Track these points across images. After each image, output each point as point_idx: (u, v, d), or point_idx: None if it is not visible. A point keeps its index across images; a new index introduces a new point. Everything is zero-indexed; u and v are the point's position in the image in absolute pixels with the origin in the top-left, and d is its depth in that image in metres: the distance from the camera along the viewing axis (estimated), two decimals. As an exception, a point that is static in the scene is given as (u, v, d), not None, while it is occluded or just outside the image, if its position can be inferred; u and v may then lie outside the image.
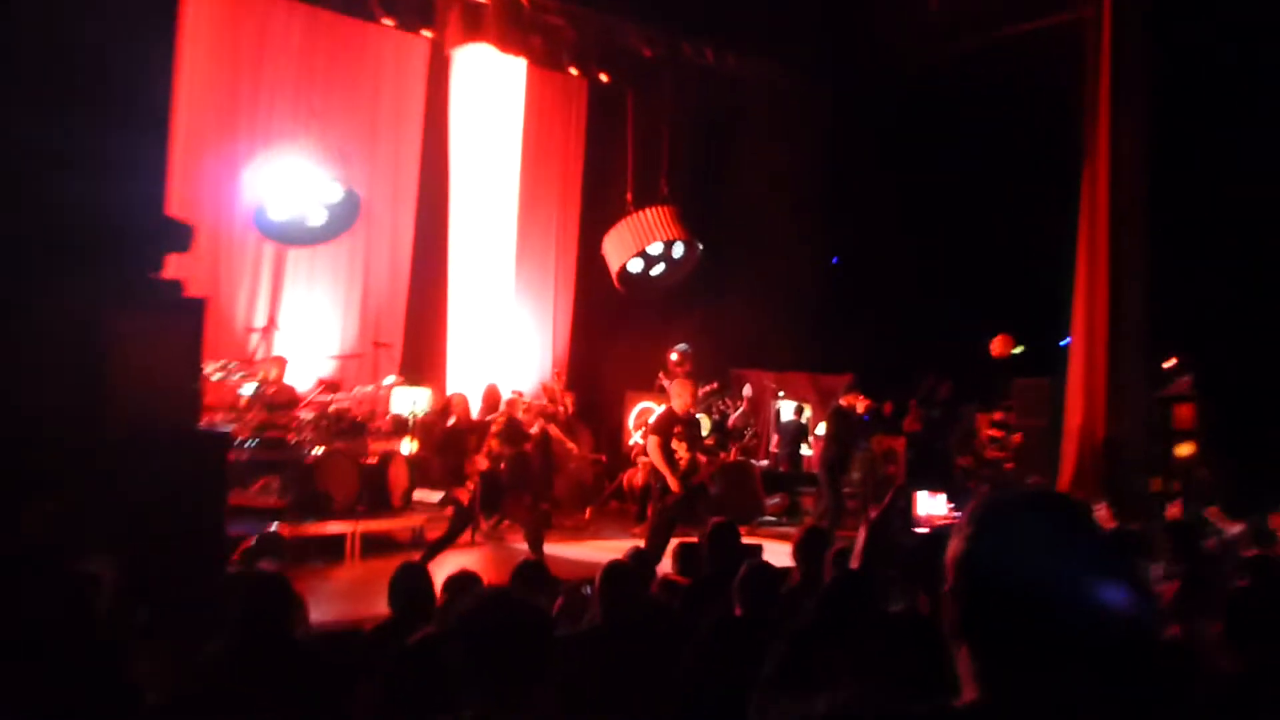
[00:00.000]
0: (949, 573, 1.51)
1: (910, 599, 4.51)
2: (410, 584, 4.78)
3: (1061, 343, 13.89)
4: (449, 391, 12.97)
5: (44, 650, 3.17)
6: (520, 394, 10.88)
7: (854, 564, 5.30)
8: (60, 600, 3.40)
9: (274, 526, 7.53)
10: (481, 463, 8.63)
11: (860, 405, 11.48)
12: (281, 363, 10.79)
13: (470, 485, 8.68)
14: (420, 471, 11.36)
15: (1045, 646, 1.43)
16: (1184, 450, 12.02)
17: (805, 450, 14.99)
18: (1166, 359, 12.61)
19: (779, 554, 9.55)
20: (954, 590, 1.50)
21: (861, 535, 5.51)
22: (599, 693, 3.85)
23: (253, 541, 5.76)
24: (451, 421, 9.52)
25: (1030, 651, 1.43)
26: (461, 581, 4.51)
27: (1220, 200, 11.83)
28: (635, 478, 13.05)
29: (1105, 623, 1.44)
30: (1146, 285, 12.14)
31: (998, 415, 14.24)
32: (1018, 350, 15.36)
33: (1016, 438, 12.59)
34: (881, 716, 1.49)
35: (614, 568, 4.56)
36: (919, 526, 7.66)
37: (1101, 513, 8.03)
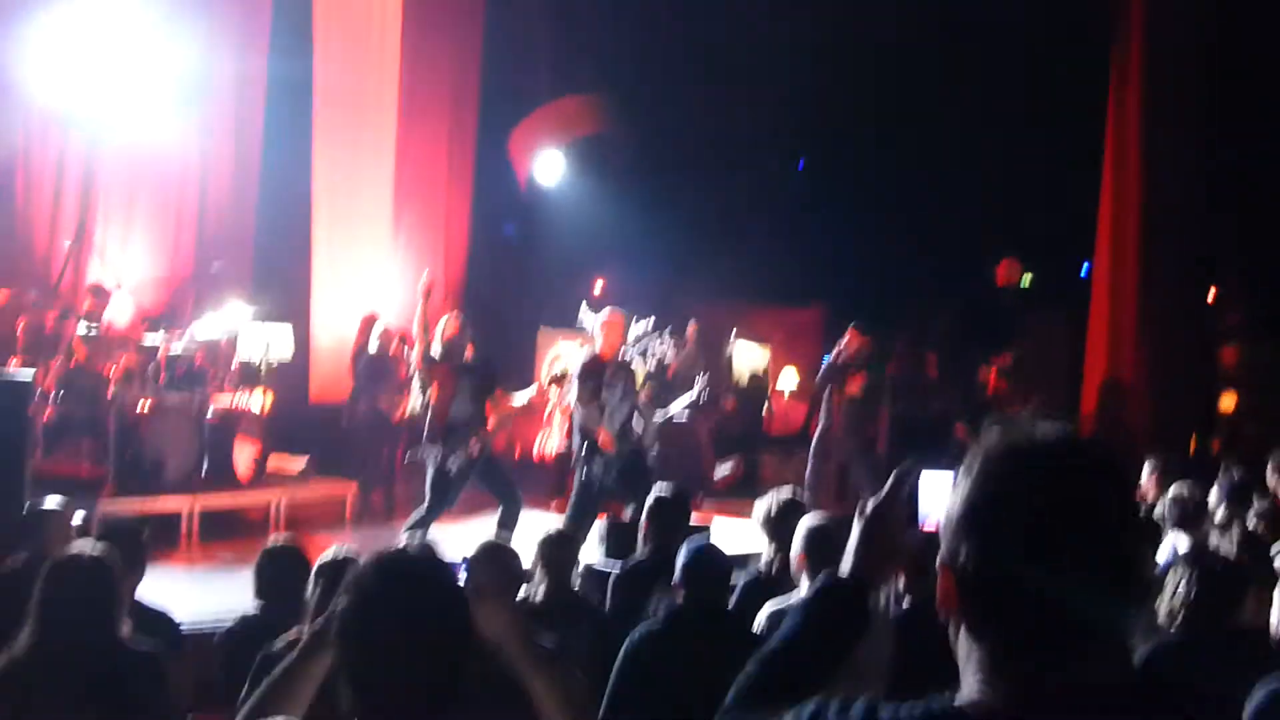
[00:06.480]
0: (943, 537, 1.50)
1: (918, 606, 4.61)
2: (287, 568, 4.80)
3: (1083, 270, 14.14)
4: (317, 328, 12.95)
5: None
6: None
7: (845, 568, 5.38)
8: None
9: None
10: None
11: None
12: (101, 292, 10.60)
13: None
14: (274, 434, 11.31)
15: (1066, 632, 1.43)
16: (1228, 401, 12.34)
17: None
18: (1210, 289, 12.87)
19: (732, 532, 9.68)
20: (948, 559, 1.49)
21: (855, 532, 5.58)
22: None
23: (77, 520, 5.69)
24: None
25: (1047, 639, 1.43)
26: (340, 567, 4.50)
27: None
28: (549, 440, 13.09)
29: (1133, 600, 1.46)
30: (1187, 197, 12.33)
31: (1005, 359, 14.43)
32: (1027, 279, 15.59)
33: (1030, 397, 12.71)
34: None
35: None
36: (926, 520, 7.69)
37: (1149, 471, 8.15)
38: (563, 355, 14.06)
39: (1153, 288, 12.28)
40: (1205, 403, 12.46)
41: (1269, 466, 7.38)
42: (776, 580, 5.49)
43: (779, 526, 5.62)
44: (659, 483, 6.78)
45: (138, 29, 11.05)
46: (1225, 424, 12.35)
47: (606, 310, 9.64)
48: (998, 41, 14.33)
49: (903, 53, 14.68)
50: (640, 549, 6.33)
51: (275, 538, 5.22)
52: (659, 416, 12.30)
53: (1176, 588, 4.06)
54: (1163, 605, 4.10)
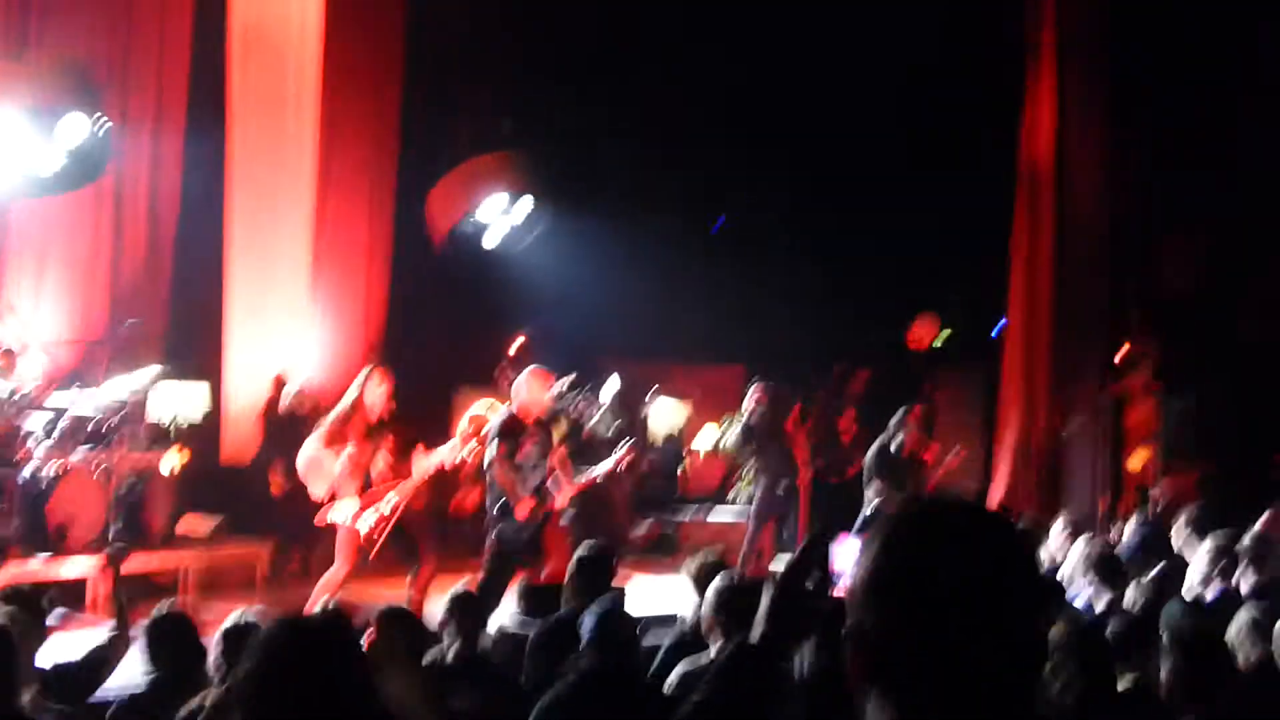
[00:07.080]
0: (849, 606, 1.52)
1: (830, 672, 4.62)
2: (175, 635, 4.72)
3: (997, 327, 14.33)
4: (230, 388, 12.79)
5: None
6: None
7: (757, 632, 5.38)
8: None
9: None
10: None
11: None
12: (9, 352, 10.44)
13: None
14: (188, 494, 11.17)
15: (972, 701, 1.44)
16: (1138, 460, 12.48)
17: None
18: (1121, 345, 13.02)
19: (650, 591, 9.69)
20: (854, 628, 1.51)
21: (767, 597, 5.59)
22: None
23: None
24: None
25: (953, 708, 1.45)
26: (244, 632, 4.45)
27: (1195, 137, 12.05)
28: (467, 500, 12.99)
29: (1036, 667, 1.49)
30: (1103, 250, 12.51)
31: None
32: (943, 336, 15.77)
33: (961, 453, 12.65)
34: None
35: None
36: (838, 584, 7.74)
37: (1061, 530, 8.23)
38: (482, 411, 13.98)
39: (1064, 345, 12.46)
40: (1115, 460, 12.61)
41: (1178, 524, 7.48)
42: (700, 640, 5.50)
43: (704, 586, 5.63)
44: (579, 542, 6.78)
45: (51, 90, 10.94)
46: (1135, 482, 12.49)
47: (526, 370, 9.64)
48: (912, 103, 14.59)
49: (819, 114, 14.87)
50: (564, 608, 6.31)
51: (160, 606, 5.14)
52: (579, 477, 12.27)
53: (1069, 649, 4.10)
54: (1057, 668, 4.13)
